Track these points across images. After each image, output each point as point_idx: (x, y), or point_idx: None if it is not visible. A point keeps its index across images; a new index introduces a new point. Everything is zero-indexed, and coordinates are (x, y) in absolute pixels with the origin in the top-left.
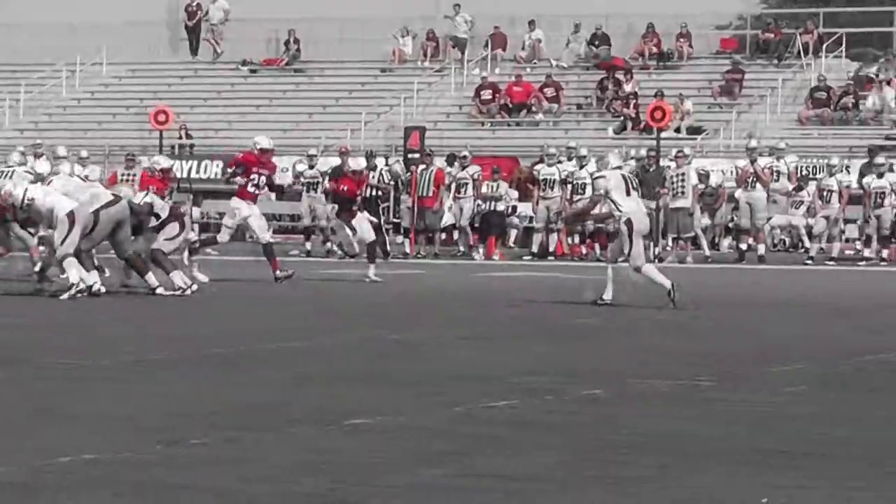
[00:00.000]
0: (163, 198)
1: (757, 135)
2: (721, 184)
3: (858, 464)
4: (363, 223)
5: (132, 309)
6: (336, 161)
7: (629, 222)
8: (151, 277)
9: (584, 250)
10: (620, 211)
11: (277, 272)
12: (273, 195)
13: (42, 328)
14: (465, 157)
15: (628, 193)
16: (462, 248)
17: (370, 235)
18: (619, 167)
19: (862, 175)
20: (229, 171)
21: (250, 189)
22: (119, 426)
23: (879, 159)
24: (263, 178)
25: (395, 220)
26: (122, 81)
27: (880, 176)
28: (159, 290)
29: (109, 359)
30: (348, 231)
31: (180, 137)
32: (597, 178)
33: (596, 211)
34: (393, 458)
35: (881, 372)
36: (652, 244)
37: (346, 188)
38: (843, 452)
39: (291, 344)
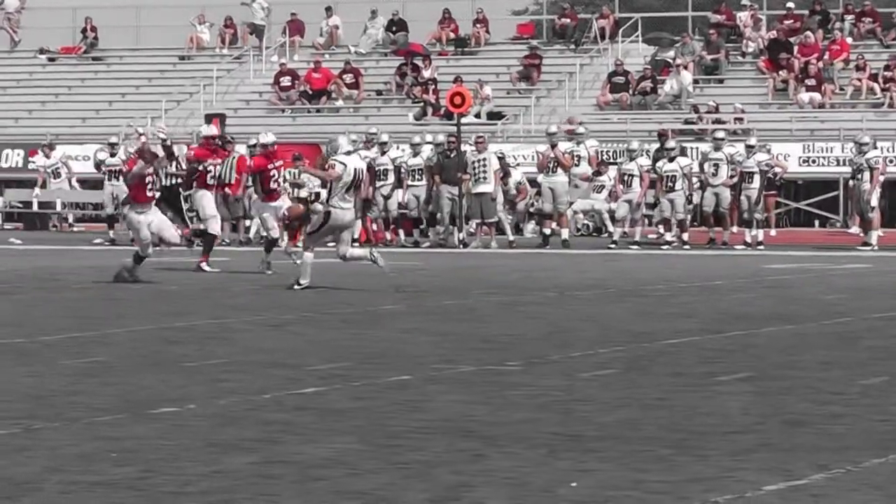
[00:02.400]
0: None
1: (557, 120)
2: (521, 181)
3: (647, 446)
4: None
5: None
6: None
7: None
8: None
9: (388, 236)
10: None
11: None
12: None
13: None
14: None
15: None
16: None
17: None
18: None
19: (655, 160)
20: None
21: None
22: None
23: (670, 143)
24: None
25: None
26: None
27: (671, 160)
28: None
29: None
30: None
31: None
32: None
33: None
34: (197, 446)
35: (677, 355)
36: (456, 229)
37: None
38: (635, 435)
39: (83, 333)
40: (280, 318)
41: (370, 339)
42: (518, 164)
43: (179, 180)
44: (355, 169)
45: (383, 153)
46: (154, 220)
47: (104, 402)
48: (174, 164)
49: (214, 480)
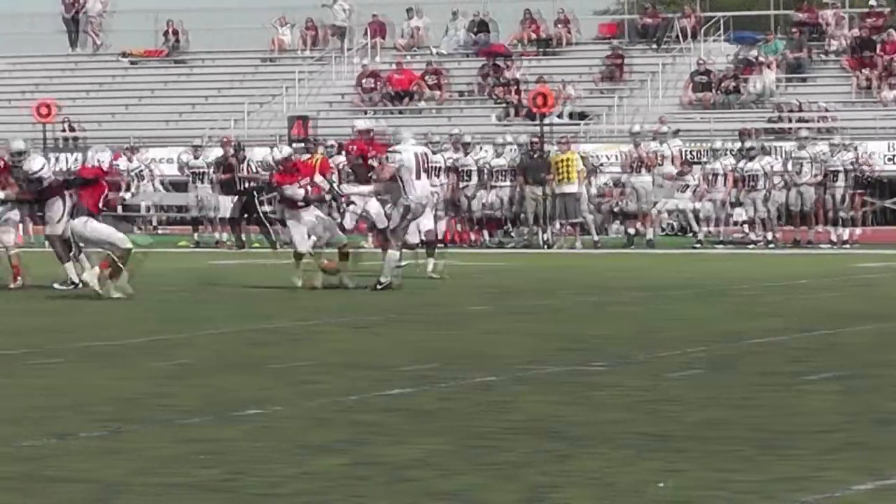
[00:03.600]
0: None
1: (641, 119)
2: (606, 181)
3: (734, 446)
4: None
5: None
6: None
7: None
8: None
9: (472, 236)
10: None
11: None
12: None
13: None
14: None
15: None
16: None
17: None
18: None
19: (738, 159)
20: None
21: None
22: (3, 420)
23: (749, 143)
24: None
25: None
26: (2, 75)
27: (751, 159)
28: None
29: None
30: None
31: (63, 130)
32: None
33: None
34: (284, 447)
35: (764, 354)
36: (541, 229)
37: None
38: (722, 435)
39: (170, 336)
40: (366, 319)
41: (457, 340)
42: (602, 164)
43: (254, 184)
44: (415, 154)
45: (466, 154)
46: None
47: (191, 405)
48: (246, 167)
49: (303, 482)
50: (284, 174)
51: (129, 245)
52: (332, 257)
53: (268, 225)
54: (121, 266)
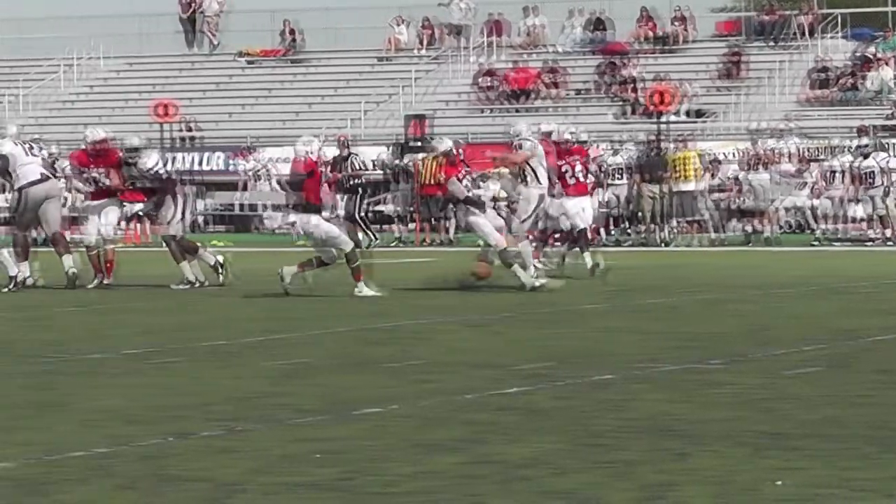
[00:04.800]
0: None
1: (759, 117)
2: (724, 179)
3: (852, 444)
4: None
5: (113, 301)
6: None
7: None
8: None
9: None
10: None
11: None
12: None
13: (30, 320)
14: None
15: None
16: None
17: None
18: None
19: (856, 156)
20: None
21: None
22: (121, 419)
23: (864, 140)
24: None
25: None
26: (120, 75)
27: (866, 157)
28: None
29: (105, 352)
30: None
31: (182, 130)
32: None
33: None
34: (400, 446)
35: (883, 352)
36: (658, 227)
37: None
38: (840, 433)
39: (286, 335)
40: (482, 318)
41: (573, 339)
42: (721, 162)
43: (358, 181)
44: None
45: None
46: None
47: (307, 404)
48: (350, 165)
49: (418, 481)
50: (450, 167)
51: (351, 246)
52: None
53: (363, 224)
54: (314, 262)
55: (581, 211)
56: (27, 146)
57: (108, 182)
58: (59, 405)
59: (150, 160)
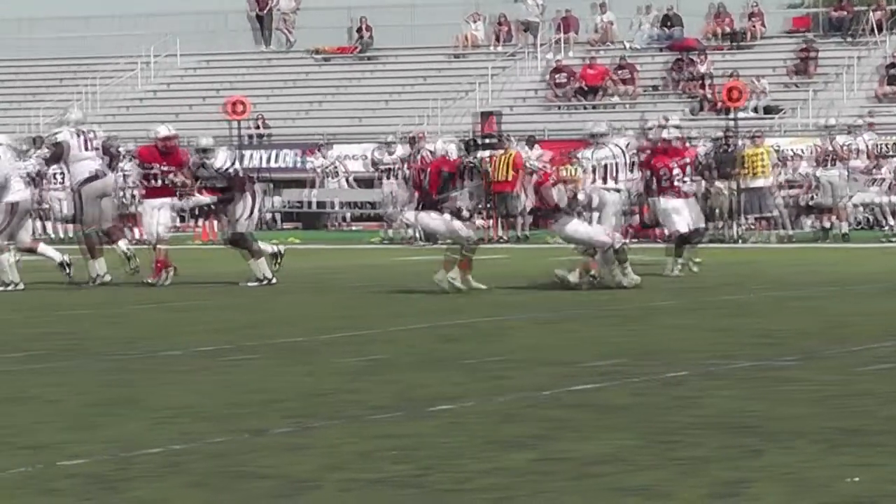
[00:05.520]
0: None
1: (830, 113)
2: (807, 174)
3: None
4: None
5: (186, 298)
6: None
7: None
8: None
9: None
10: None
11: None
12: None
13: (104, 317)
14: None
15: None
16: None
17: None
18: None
19: None
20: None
21: None
22: (194, 416)
23: None
24: None
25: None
26: (195, 72)
27: None
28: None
29: (178, 349)
30: None
31: (257, 127)
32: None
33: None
34: (474, 443)
35: None
36: (734, 223)
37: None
38: None
39: (360, 331)
40: (555, 315)
41: (645, 335)
42: (794, 158)
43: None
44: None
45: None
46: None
47: (382, 400)
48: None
49: (492, 477)
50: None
51: (471, 235)
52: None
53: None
54: (460, 257)
55: (675, 213)
56: (85, 137)
57: (174, 180)
58: (132, 402)
59: (220, 159)
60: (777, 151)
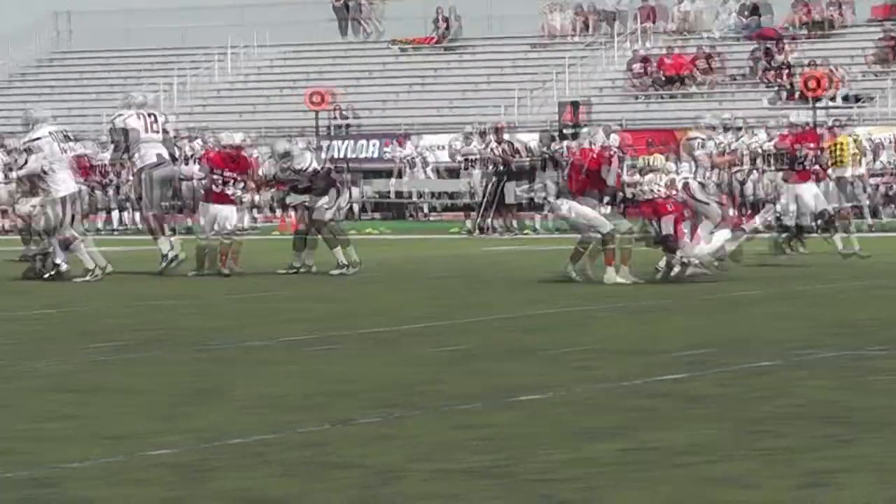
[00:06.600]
0: None
1: None
2: (886, 162)
3: None
4: None
5: (270, 288)
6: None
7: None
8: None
9: (745, 221)
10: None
11: None
12: None
13: (190, 308)
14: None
15: None
16: None
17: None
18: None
19: None
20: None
21: None
22: (280, 406)
23: None
24: None
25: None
26: (276, 63)
27: None
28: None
29: (264, 339)
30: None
31: (336, 118)
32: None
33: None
34: (558, 433)
35: None
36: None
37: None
38: None
39: (445, 322)
40: (640, 305)
41: (731, 325)
42: (878, 148)
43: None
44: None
45: (738, 138)
46: None
47: (466, 390)
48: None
49: (576, 467)
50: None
51: (610, 228)
52: None
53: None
54: (630, 250)
55: (815, 196)
56: (151, 119)
57: (237, 192)
58: (218, 392)
59: (305, 160)
60: (858, 141)
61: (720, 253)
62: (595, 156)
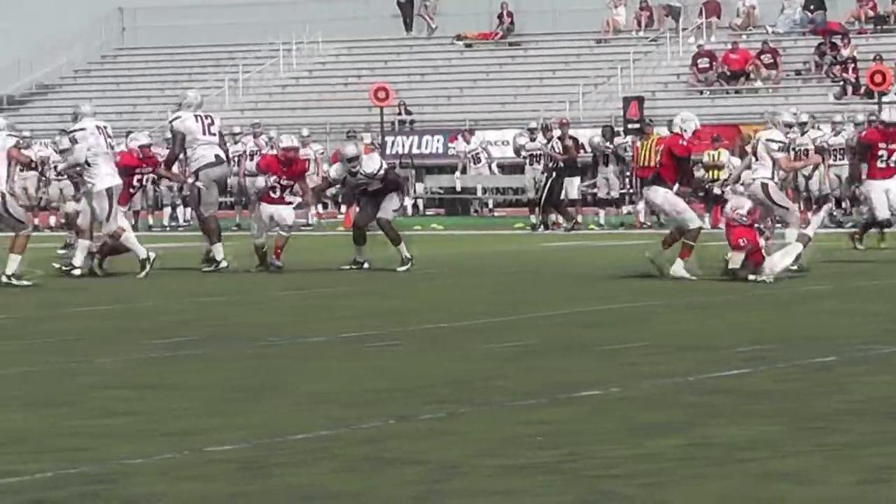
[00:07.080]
0: None
1: None
2: None
3: None
4: None
5: (330, 284)
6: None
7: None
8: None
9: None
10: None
11: None
12: None
13: (247, 304)
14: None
15: None
16: None
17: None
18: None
19: None
20: None
21: None
22: (340, 402)
23: None
24: None
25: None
26: (338, 59)
27: None
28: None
29: (323, 335)
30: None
31: (399, 113)
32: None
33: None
34: (619, 428)
35: None
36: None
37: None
38: None
39: (504, 318)
40: (699, 300)
41: (792, 321)
42: None
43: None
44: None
45: (803, 133)
46: None
47: (525, 386)
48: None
49: (638, 462)
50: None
51: (699, 224)
52: None
53: (560, 208)
54: (693, 245)
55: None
56: (209, 121)
57: (291, 199)
58: (278, 388)
59: (374, 163)
60: None
61: (796, 263)
62: (685, 143)
